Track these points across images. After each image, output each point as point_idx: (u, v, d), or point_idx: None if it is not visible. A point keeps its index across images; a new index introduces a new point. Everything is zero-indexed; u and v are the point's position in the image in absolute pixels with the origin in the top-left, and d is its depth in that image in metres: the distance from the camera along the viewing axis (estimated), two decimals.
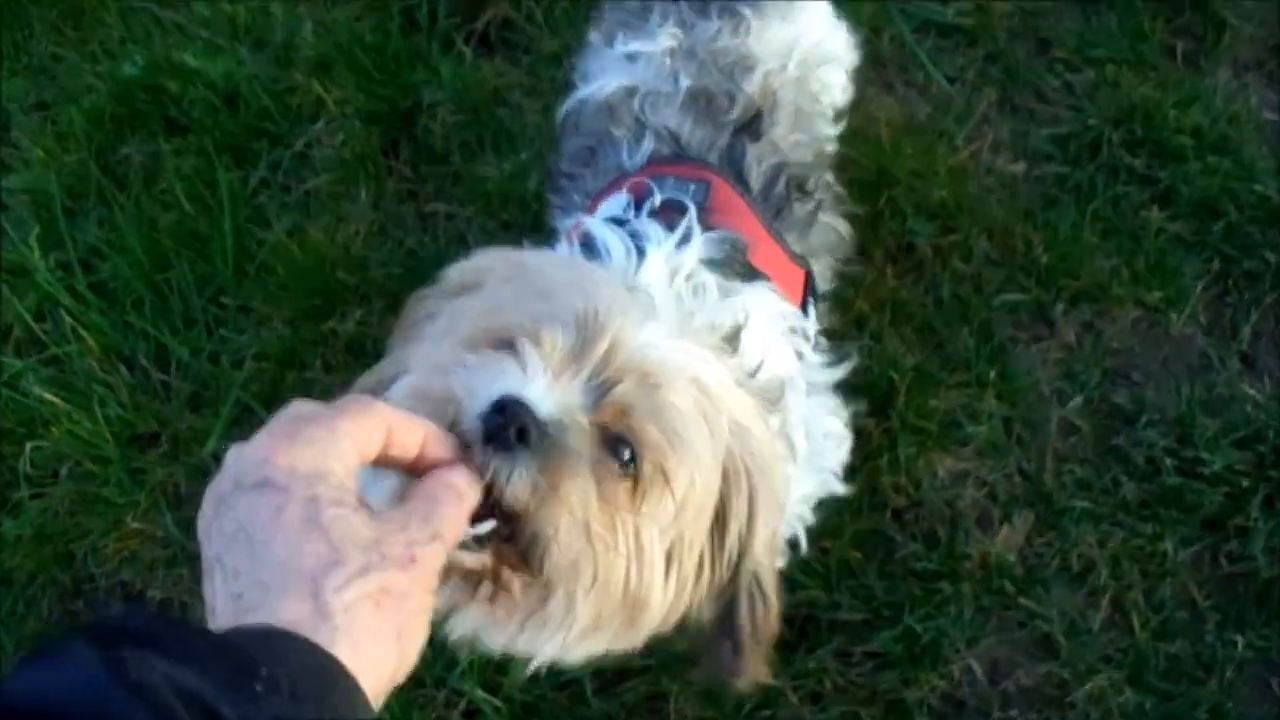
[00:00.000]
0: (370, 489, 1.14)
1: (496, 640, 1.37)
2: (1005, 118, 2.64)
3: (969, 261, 2.45)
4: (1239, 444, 2.29)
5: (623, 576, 1.29)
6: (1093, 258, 2.46)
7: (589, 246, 1.60)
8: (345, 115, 2.73)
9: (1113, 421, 2.35)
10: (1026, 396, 2.35)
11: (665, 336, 1.31)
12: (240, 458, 0.98)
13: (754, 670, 1.46)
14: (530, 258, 1.44)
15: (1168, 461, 2.28)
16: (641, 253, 1.56)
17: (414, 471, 1.10)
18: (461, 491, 1.08)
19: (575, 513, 1.22)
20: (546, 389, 1.22)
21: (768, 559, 1.41)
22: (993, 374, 2.35)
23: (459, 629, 1.34)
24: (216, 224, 2.60)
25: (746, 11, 1.96)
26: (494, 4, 2.82)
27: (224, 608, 0.91)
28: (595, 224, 1.64)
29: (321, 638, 0.88)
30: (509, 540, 1.22)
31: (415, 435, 1.08)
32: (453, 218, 2.61)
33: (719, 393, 1.33)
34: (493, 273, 1.43)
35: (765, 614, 1.42)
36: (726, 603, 1.40)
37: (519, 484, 1.17)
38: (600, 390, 1.25)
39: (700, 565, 1.37)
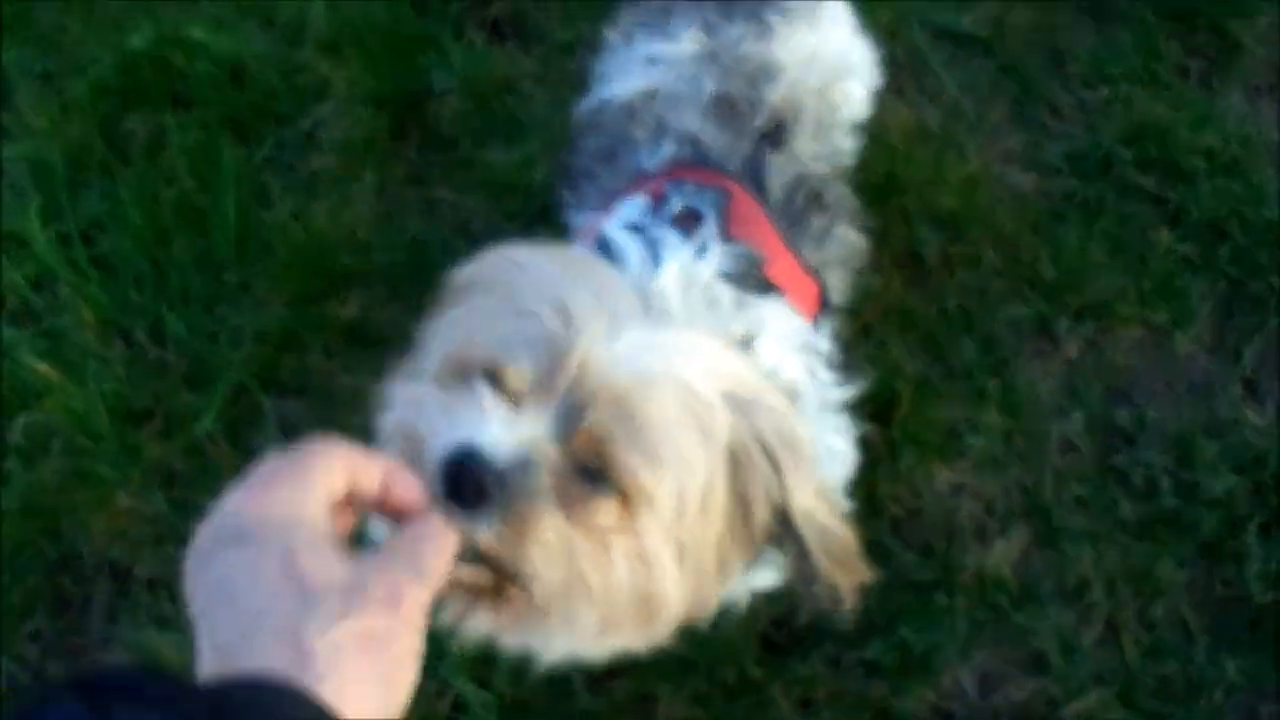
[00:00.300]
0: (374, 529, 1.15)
1: (510, 642, 1.36)
2: (1017, 130, 2.63)
3: (976, 272, 2.45)
4: (1238, 469, 2.29)
5: (626, 585, 1.28)
6: (1099, 275, 2.45)
7: (605, 250, 1.59)
8: (353, 98, 2.70)
9: (1113, 440, 2.34)
10: (1028, 411, 2.34)
11: (644, 341, 1.27)
12: (217, 513, 0.98)
13: (850, 592, 1.43)
14: (527, 258, 1.40)
15: (1166, 483, 2.28)
16: (658, 260, 1.55)
17: (386, 509, 1.10)
18: (446, 529, 1.08)
19: (550, 549, 1.21)
20: (506, 429, 1.21)
21: (820, 506, 1.38)
22: (995, 387, 2.34)
23: (473, 633, 1.33)
24: (219, 201, 2.58)
25: (771, 18, 1.94)
26: None
27: (210, 660, 0.92)
28: (612, 228, 1.63)
29: (306, 684, 0.88)
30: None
31: (374, 472, 1.07)
32: (458, 206, 2.59)
33: (714, 380, 1.30)
34: (484, 279, 1.41)
35: (838, 544, 1.40)
36: (797, 553, 1.39)
37: (484, 536, 1.18)
38: (573, 416, 1.23)
39: (724, 551, 1.36)
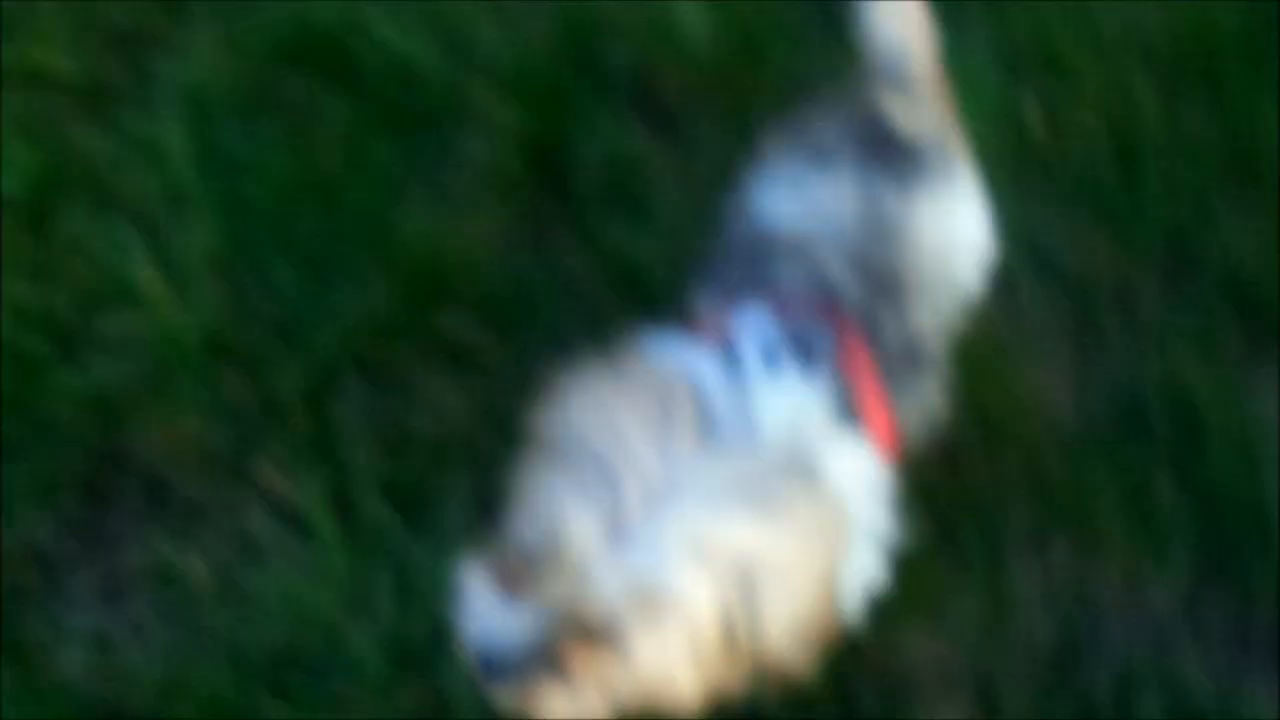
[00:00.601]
0: None
1: None
2: (1074, 367, 2.80)
3: (998, 477, 2.61)
4: (1169, 711, 2.45)
5: (646, 693, 1.57)
6: (1102, 509, 2.62)
7: (729, 352, 1.79)
8: (501, 130, 2.87)
9: (1070, 654, 2.50)
10: (1008, 608, 2.51)
11: (628, 559, 1.49)
12: None
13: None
14: (579, 427, 1.60)
15: (1105, 703, 2.45)
16: (774, 378, 1.76)
17: None
18: None
19: (557, 708, 1.53)
20: (504, 626, 1.52)
21: (786, 645, 1.62)
22: (988, 580, 2.52)
23: None
24: (357, 184, 2.76)
25: (914, 187, 2.10)
26: (666, 86, 2.99)
27: None
28: (742, 339, 1.83)
29: None
30: None
31: None
32: (569, 261, 2.74)
33: (714, 557, 1.51)
34: (545, 446, 1.64)
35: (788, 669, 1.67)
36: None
37: (508, 694, 1.54)
38: (557, 621, 1.49)
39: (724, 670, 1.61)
